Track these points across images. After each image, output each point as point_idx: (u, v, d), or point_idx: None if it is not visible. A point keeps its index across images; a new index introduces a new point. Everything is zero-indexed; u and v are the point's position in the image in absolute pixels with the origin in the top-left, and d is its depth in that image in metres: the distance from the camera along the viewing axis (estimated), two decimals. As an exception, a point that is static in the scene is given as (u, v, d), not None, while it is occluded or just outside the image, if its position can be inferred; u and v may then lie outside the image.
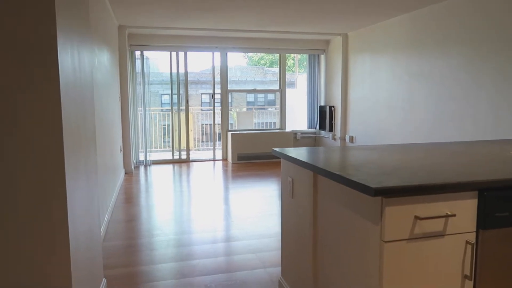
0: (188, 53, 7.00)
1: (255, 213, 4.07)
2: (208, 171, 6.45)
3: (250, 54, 17.43)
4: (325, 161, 1.90)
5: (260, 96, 16.32)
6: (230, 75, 16.85)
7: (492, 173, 1.57)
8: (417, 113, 5.03)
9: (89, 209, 2.07)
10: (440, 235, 1.42)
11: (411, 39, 5.12)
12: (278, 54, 7.60)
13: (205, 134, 9.51)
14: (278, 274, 2.63)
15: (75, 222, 1.72)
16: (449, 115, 4.53)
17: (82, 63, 2.02)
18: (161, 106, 8.87)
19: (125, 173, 6.08)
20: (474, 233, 1.46)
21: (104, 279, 2.46)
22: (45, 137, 1.54)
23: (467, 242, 1.45)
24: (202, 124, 9.77)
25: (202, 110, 14.73)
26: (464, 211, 1.44)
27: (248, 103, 16.43)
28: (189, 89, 7.18)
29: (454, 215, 1.41)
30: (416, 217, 1.38)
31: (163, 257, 2.97)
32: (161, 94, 9.29)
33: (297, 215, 2.13)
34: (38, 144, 1.53)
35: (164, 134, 8.30)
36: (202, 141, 9.46)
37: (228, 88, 7.26)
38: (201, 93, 16.54)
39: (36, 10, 1.47)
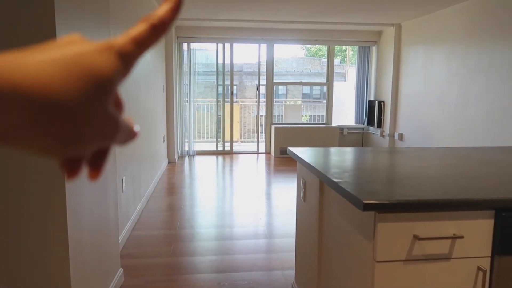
0: (242, 45, 7.00)
1: (286, 211, 3.96)
2: (249, 164, 6.42)
3: (309, 45, 17.07)
4: (333, 164, 1.76)
5: (316, 89, 15.95)
6: (286, 66, 16.57)
7: (518, 189, 1.35)
8: (474, 111, 4.59)
9: (100, 205, 2.11)
10: (445, 258, 1.24)
11: (469, 30, 4.66)
12: (335, 46, 7.34)
13: (261, 125, 9.47)
14: (293, 277, 2.52)
15: (78, 221, 1.74)
16: (511, 115, 4.07)
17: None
18: (208, 98, 8.99)
19: (169, 162, 6.23)
20: (489, 258, 1.26)
21: (120, 269, 2.51)
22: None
23: (479, 268, 1.26)
24: (255, 116, 9.70)
25: (255, 102, 14.67)
26: (476, 232, 1.24)
27: (304, 95, 16.13)
28: (245, 80, 7.18)
29: (462, 237, 1.22)
30: (415, 237, 1.21)
31: (182, 250, 2.98)
32: (209, 86, 9.41)
33: (307, 220, 2.01)
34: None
35: (210, 125, 8.40)
36: (254, 133, 9.44)
37: (277, 81, 7.15)
38: (256, 85, 16.46)
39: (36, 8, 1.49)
